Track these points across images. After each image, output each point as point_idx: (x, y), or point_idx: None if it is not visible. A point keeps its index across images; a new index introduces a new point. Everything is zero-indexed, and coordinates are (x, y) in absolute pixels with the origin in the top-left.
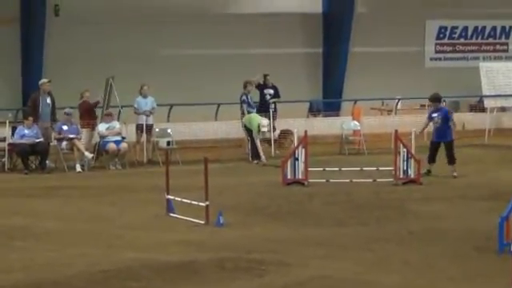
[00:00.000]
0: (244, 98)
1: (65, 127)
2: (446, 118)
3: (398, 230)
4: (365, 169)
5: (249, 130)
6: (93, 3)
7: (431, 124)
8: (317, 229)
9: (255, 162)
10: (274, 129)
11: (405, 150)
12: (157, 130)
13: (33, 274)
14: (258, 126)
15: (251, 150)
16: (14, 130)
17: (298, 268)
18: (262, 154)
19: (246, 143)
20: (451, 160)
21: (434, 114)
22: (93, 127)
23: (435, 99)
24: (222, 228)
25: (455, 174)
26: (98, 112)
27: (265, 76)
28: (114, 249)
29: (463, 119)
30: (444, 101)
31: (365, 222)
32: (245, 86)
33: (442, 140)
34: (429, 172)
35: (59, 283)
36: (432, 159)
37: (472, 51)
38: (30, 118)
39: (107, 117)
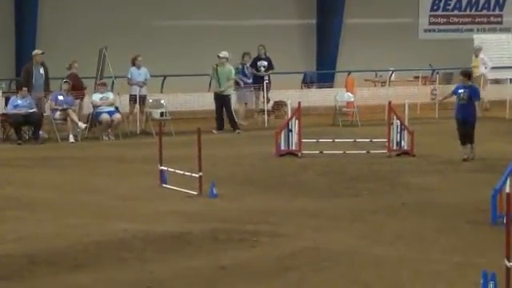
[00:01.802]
0: (239, 66)
1: (60, 97)
2: (473, 97)
3: (391, 201)
4: (358, 140)
5: (221, 97)
6: None
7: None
8: (310, 200)
9: (237, 131)
10: (268, 100)
11: (398, 121)
12: (150, 100)
13: (26, 244)
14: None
15: (229, 119)
16: (7, 100)
17: (290, 239)
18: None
19: (219, 112)
20: (470, 139)
21: (461, 90)
22: (81, 98)
23: (466, 74)
24: (215, 199)
25: (466, 156)
26: (91, 82)
27: (259, 47)
28: (106, 219)
29: None
30: (437, 73)
31: (358, 193)
32: (242, 57)
33: (466, 119)
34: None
35: (52, 254)
36: (463, 141)
37: (466, 23)
38: (25, 89)
39: (101, 87)
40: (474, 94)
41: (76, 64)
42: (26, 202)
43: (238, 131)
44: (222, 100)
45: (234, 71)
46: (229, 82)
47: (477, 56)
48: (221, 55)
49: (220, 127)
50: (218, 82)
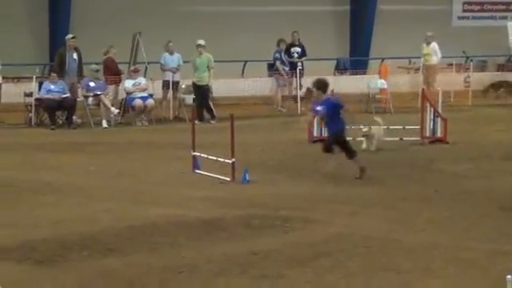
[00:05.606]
0: (277, 55)
1: (92, 84)
2: (335, 109)
3: (424, 188)
4: (391, 127)
5: (199, 87)
6: None
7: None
8: (343, 186)
9: (213, 122)
10: (301, 86)
11: (432, 108)
12: (183, 86)
13: (59, 229)
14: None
15: (207, 109)
16: (41, 85)
17: (323, 225)
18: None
19: (199, 102)
20: (348, 154)
21: (319, 108)
22: (118, 83)
23: (320, 86)
24: (248, 185)
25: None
26: (123, 67)
27: (293, 33)
28: (140, 205)
29: (491, 79)
30: (471, 60)
31: (391, 180)
32: (278, 44)
33: (339, 133)
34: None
35: (86, 238)
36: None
37: (500, 10)
38: (53, 74)
39: (134, 73)
40: (335, 107)
41: (113, 49)
42: (59, 186)
43: (213, 122)
44: (201, 90)
45: (212, 59)
46: (210, 71)
47: (428, 44)
48: (201, 43)
49: (200, 118)
50: (197, 71)
